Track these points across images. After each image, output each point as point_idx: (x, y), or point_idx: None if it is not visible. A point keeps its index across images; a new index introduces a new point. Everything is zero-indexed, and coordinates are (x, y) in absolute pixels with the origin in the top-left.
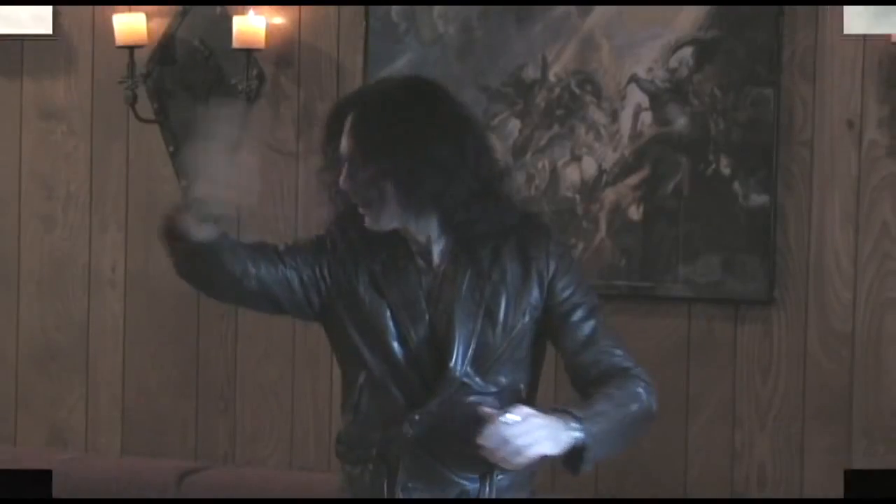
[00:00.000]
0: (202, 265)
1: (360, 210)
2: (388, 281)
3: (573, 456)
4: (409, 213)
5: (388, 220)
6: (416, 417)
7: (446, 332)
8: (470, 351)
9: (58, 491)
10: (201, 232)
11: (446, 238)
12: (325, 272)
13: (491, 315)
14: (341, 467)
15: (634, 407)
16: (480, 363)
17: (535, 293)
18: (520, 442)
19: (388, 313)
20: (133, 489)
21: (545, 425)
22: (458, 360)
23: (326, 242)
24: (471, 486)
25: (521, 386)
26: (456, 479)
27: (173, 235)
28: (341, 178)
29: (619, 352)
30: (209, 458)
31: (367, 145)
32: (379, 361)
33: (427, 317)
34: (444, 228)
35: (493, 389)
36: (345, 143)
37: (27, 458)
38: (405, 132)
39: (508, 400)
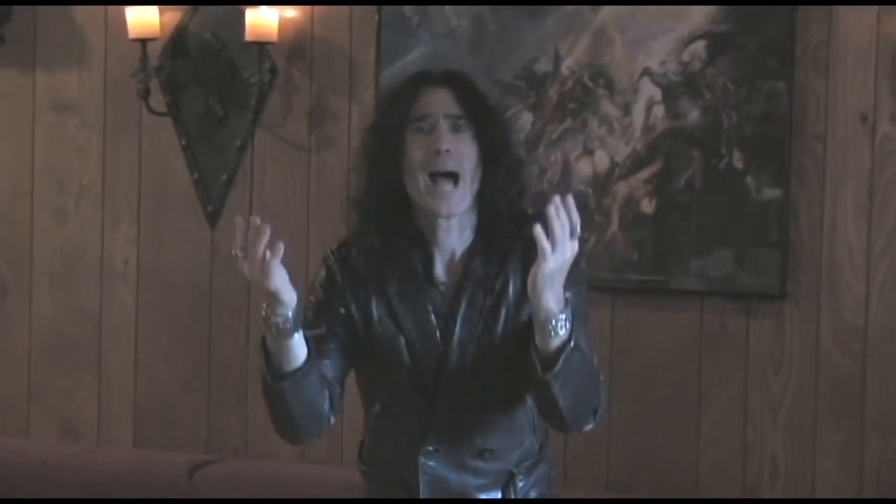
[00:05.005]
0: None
1: (440, 189)
2: (404, 309)
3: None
4: (471, 198)
5: (462, 200)
6: (430, 448)
7: (448, 345)
8: (470, 364)
9: (69, 483)
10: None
11: (469, 243)
12: (348, 308)
13: (489, 329)
14: (365, 483)
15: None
16: (481, 376)
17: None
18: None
19: (405, 346)
20: (145, 482)
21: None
22: (459, 374)
23: (336, 278)
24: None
25: (526, 395)
26: (478, 496)
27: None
28: (439, 140)
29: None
30: (221, 450)
31: (472, 105)
32: (394, 393)
33: (438, 341)
34: (477, 226)
35: (497, 400)
36: (441, 106)
37: (39, 450)
38: (498, 104)
39: (513, 412)
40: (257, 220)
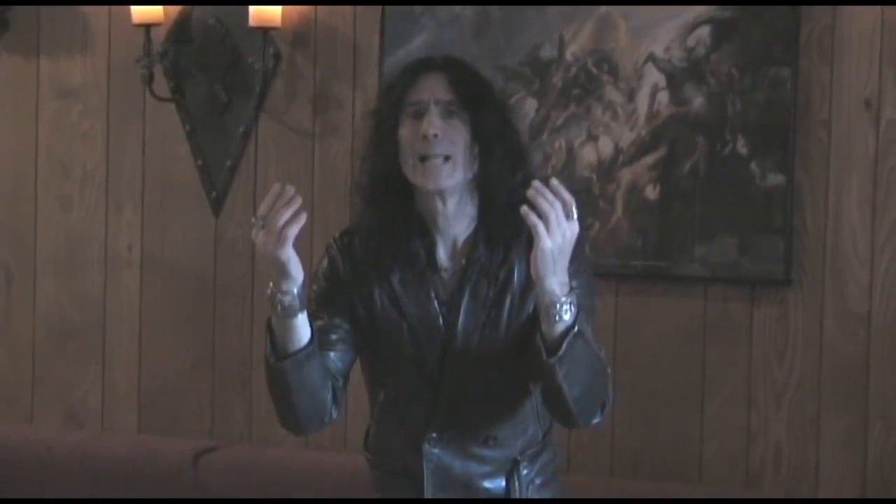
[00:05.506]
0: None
1: (430, 163)
2: (407, 296)
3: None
4: (465, 181)
5: (451, 175)
6: (434, 435)
7: (452, 333)
8: (474, 352)
9: (74, 470)
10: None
11: (471, 230)
12: (351, 298)
13: (494, 317)
14: (371, 471)
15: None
16: (486, 364)
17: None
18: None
19: (408, 331)
20: (149, 468)
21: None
22: (462, 362)
23: (338, 267)
24: (497, 489)
25: (531, 385)
26: (483, 484)
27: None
28: (427, 125)
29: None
30: (225, 437)
31: (466, 91)
32: (398, 381)
33: (441, 328)
34: (478, 214)
35: (502, 388)
36: (432, 92)
37: (44, 437)
38: (497, 91)
39: (518, 400)
40: (292, 189)
